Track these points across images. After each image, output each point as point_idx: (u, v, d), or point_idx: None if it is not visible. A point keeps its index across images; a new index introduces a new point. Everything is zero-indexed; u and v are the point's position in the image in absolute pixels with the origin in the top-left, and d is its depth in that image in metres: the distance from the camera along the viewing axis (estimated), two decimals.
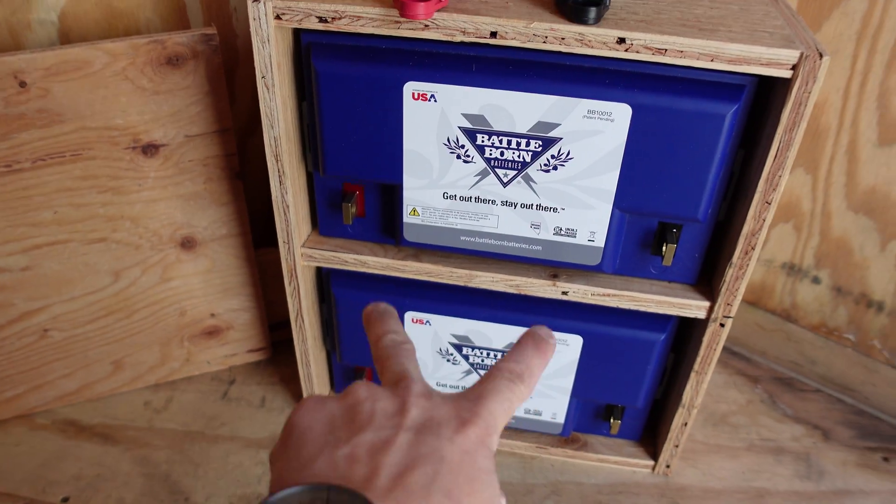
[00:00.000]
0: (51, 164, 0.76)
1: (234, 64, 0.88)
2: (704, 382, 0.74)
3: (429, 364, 0.79)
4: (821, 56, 0.54)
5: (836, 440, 0.92)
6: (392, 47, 0.60)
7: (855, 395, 0.97)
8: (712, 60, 0.55)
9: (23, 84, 0.72)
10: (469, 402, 0.35)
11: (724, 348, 1.04)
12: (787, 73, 0.55)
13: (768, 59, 0.55)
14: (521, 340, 0.40)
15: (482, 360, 0.77)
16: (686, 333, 0.77)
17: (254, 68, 0.61)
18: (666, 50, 0.55)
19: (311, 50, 0.61)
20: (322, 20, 0.58)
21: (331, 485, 0.30)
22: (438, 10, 0.56)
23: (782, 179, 0.60)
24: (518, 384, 0.37)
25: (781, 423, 0.94)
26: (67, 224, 0.79)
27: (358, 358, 0.81)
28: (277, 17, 0.59)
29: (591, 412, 0.84)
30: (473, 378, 0.80)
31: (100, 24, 0.81)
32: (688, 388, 0.75)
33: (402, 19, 0.56)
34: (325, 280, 0.77)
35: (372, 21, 0.57)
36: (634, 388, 0.77)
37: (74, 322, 0.85)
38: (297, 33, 0.63)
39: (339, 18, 0.58)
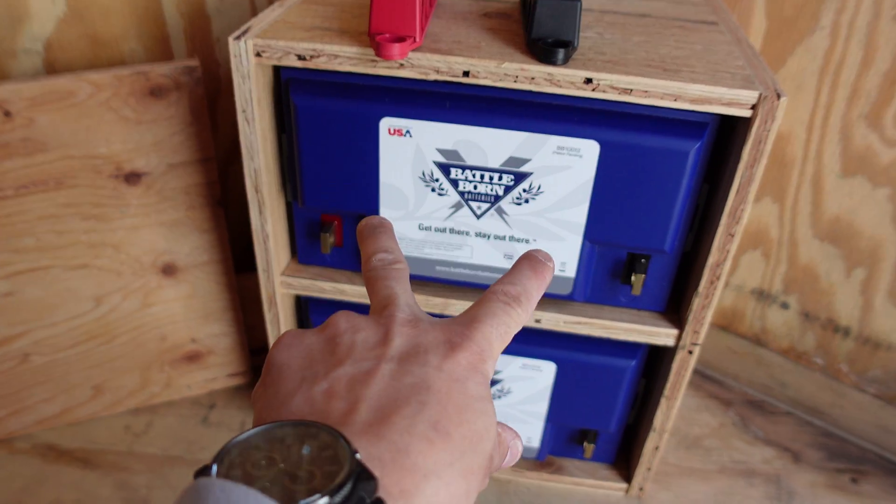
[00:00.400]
0: (34, 192, 0.77)
1: (217, 93, 0.90)
2: (675, 407, 0.76)
3: None
4: (779, 97, 0.56)
5: (806, 462, 0.94)
6: (369, 84, 0.62)
7: (824, 417, 0.99)
8: (676, 100, 0.57)
9: (7, 114, 0.73)
10: (460, 326, 0.33)
11: (697, 372, 1.06)
12: (747, 113, 0.57)
13: (729, 100, 0.57)
14: (518, 263, 0.37)
15: None
16: (657, 359, 0.79)
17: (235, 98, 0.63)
18: (631, 90, 0.57)
19: (290, 85, 0.63)
20: (301, 58, 0.60)
21: (302, 421, 0.27)
22: (413, 50, 0.58)
23: (745, 213, 0.62)
24: (514, 307, 0.34)
25: (753, 445, 0.96)
26: (50, 250, 0.80)
27: None
28: (258, 55, 0.60)
29: (566, 436, 0.85)
30: None
31: (84, 54, 0.83)
32: (659, 412, 0.77)
33: (378, 59, 0.58)
34: (304, 307, 0.78)
35: (349, 60, 0.59)
36: (607, 413, 0.79)
37: (55, 347, 0.86)
38: (277, 69, 0.65)
39: (318, 57, 0.60)
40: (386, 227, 0.39)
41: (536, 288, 0.36)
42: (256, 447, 0.26)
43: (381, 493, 0.26)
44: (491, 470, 0.32)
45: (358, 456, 0.26)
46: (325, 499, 0.24)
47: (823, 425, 0.99)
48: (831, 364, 0.96)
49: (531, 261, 0.37)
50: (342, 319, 0.33)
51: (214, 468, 0.25)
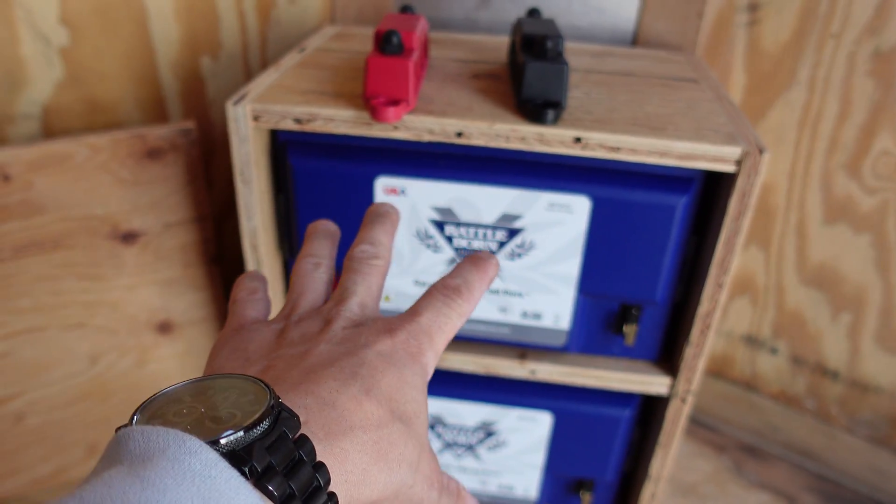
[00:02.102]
0: (32, 254, 0.78)
1: (212, 152, 0.92)
2: (670, 455, 0.77)
3: None
4: (761, 152, 0.58)
5: None
6: (364, 144, 0.64)
7: (817, 460, 1.00)
8: (662, 157, 0.59)
9: (6, 177, 0.74)
10: (401, 318, 0.34)
11: (691, 418, 1.07)
12: (731, 168, 0.59)
13: (713, 156, 0.59)
14: (461, 261, 0.38)
15: (455, 438, 0.79)
16: (651, 408, 0.79)
17: (230, 156, 0.64)
18: (619, 148, 0.59)
19: (287, 147, 0.65)
20: (298, 121, 0.62)
21: (225, 374, 0.28)
22: (407, 113, 0.60)
23: (732, 264, 0.64)
24: (455, 298, 0.35)
25: (748, 490, 0.96)
26: (46, 311, 0.80)
27: None
28: (255, 119, 0.62)
29: (564, 486, 0.85)
30: (447, 457, 0.81)
31: (82, 117, 0.85)
32: (655, 461, 0.77)
33: (373, 121, 0.60)
34: None
35: (345, 123, 0.61)
36: (604, 462, 0.79)
37: (50, 406, 0.85)
38: (274, 131, 0.67)
39: (314, 120, 0.61)
40: (388, 217, 0.40)
41: (479, 280, 0.37)
42: (178, 399, 0.27)
43: (306, 432, 0.26)
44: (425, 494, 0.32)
45: (280, 401, 0.26)
46: (240, 433, 0.24)
47: (817, 468, 1.00)
48: (822, 408, 0.97)
49: (473, 257, 0.38)
50: (294, 314, 0.35)
51: (136, 418, 0.26)
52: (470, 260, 0.38)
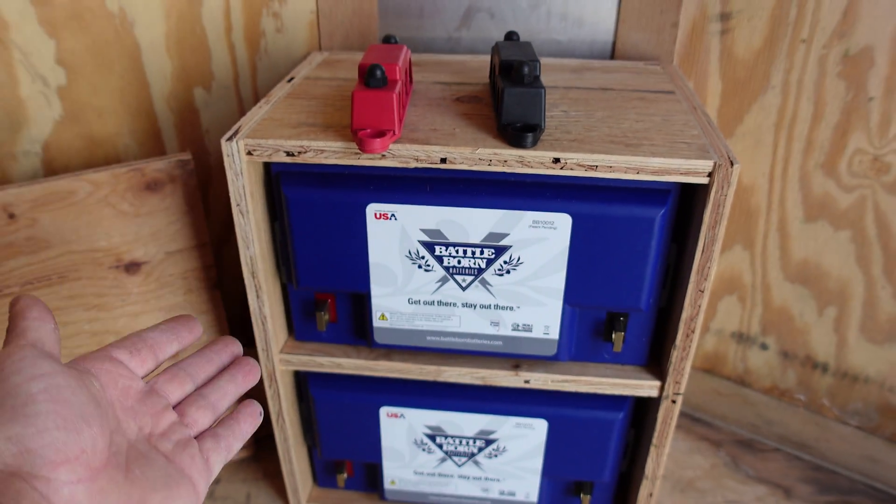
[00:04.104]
0: (39, 287, 0.80)
1: (208, 180, 0.94)
2: (664, 454, 0.79)
3: (405, 454, 0.84)
4: (732, 164, 0.61)
5: (798, 497, 0.97)
6: (355, 172, 0.66)
7: (812, 451, 1.02)
8: (638, 173, 0.62)
9: (12, 216, 0.77)
10: None
11: (686, 415, 1.10)
12: (704, 180, 0.62)
13: (687, 170, 0.62)
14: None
15: (455, 448, 0.82)
16: (644, 410, 0.82)
17: (226, 183, 0.67)
18: (597, 166, 0.62)
19: (280, 179, 0.67)
20: (289, 154, 0.65)
21: None
22: (393, 142, 0.62)
23: (711, 270, 0.66)
24: None
25: (745, 484, 0.99)
26: None
27: (338, 452, 0.86)
28: (249, 153, 0.65)
29: (563, 490, 0.88)
30: (449, 465, 0.84)
31: (81, 152, 0.88)
32: (649, 460, 0.80)
33: (361, 152, 0.63)
34: (303, 381, 0.82)
35: (335, 153, 0.64)
36: (600, 464, 0.82)
37: None
38: (268, 164, 0.70)
39: (305, 152, 0.64)
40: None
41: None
42: None
43: None
44: None
45: None
46: None
47: (812, 459, 1.03)
48: (813, 400, 1.00)
49: None
50: None
51: None
52: None
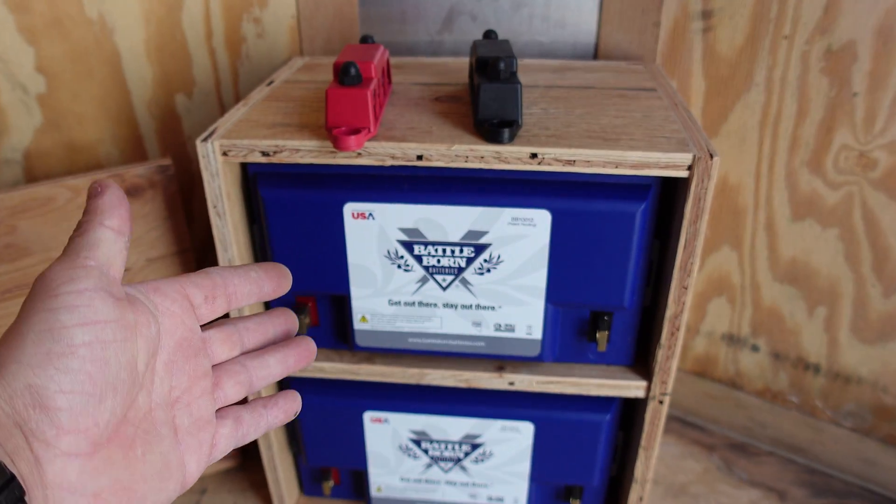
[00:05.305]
0: (19, 296, 0.80)
1: (191, 187, 0.94)
2: (653, 457, 0.78)
3: (391, 460, 0.82)
4: (711, 157, 0.60)
5: (792, 500, 0.95)
6: (331, 172, 0.66)
7: (806, 454, 1.01)
8: (616, 167, 0.61)
9: None
10: None
11: (679, 419, 1.08)
12: (684, 174, 0.61)
13: (666, 163, 0.61)
14: None
15: (441, 453, 0.81)
16: (632, 412, 0.81)
17: None
18: (574, 161, 0.61)
19: (257, 179, 0.67)
20: (265, 154, 0.64)
21: None
22: (369, 140, 0.62)
23: (694, 266, 0.65)
24: None
25: (738, 488, 0.97)
26: None
27: (323, 459, 0.84)
28: (224, 154, 0.64)
29: (552, 494, 0.87)
30: (435, 471, 0.83)
31: (62, 160, 0.87)
32: (638, 463, 0.79)
33: (336, 150, 0.62)
34: (286, 387, 0.80)
35: (310, 153, 0.63)
36: (588, 467, 0.81)
37: None
38: (244, 164, 0.69)
39: (280, 152, 0.63)
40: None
41: None
42: None
43: None
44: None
45: None
46: None
47: (806, 462, 1.01)
48: (806, 401, 0.98)
49: None
50: None
51: None
52: None
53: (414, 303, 0.70)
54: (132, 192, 0.80)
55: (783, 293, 0.93)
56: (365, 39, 0.72)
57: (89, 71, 0.84)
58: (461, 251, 0.67)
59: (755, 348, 0.99)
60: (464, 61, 0.86)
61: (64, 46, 0.82)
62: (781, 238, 0.90)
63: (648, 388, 0.74)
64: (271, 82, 0.79)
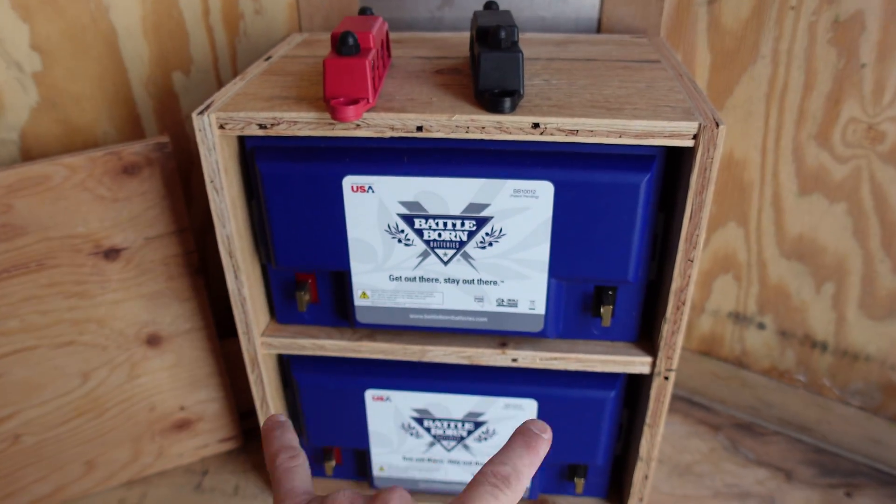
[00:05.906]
0: (16, 276, 0.79)
1: (190, 166, 0.93)
2: (658, 435, 0.77)
3: (393, 440, 0.82)
4: (717, 125, 0.59)
5: (799, 480, 0.94)
6: (329, 145, 0.65)
7: (813, 433, 1.00)
8: (620, 137, 0.60)
9: None
10: None
11: (684, 399, 1.07)
12: (689, 143, 0.60)
13: (671, 132, 0.60)
14: (512, 437, 0.38)
15: (444, 432, 0.80)
16: (637, 389, 0.80)
17: None
18: (577, 131, 0.60)
19: (254, 153, 0.66)
20: (262, 127, 0.63)
21: None
22: (367, 111, 0.61)
23: (700, 238, 0.64)
24: (503, 489, 0.35)
25: (745, 467, 0.96)
26: (35, 331, 0.81)
27: (325, 439, 0.84)
28: (221, 127, 0.63)
29: (556, 473, 0.86)
30: (438, 450, 0.82)
31: (59, 139, 0.86)
32: (643, 441, 0.78)
33: (335, 121, 0.61)
34: (287, 366, 0.80)
35: (308, 125, 0.62)
36: (593, 445, 0.80)
37: (45, 425, 0.86)
38: (242, 138, 0.68)
39: (278, 124, 0.62)
40: (284, 425, 0.44)
41: (528, 465, 0.37)
42: None
43: None
44: None
45: None
46: None
47: (813, 442, 1.00)
48: (814, 380, 0.97)
49: (525, 436, 0.38)
50: None
51: None
52: (523, 440, 0.37)
53: (415, 278, 0.69)
54: (129, 170, 0.79)
55: (790, 270, 0.92)
56: (363, 11, 0.71)
57: (85, 49, 0.83)
58: (462, 224, 0.66)
59: (761, 326, 0.98)
60: (465, 35, 0.85)
61: (59, 24, 0.81)
62: (788, 213, 0.89)
63: (654, 364, 0.73)
64: (269, 58, 0.78)
